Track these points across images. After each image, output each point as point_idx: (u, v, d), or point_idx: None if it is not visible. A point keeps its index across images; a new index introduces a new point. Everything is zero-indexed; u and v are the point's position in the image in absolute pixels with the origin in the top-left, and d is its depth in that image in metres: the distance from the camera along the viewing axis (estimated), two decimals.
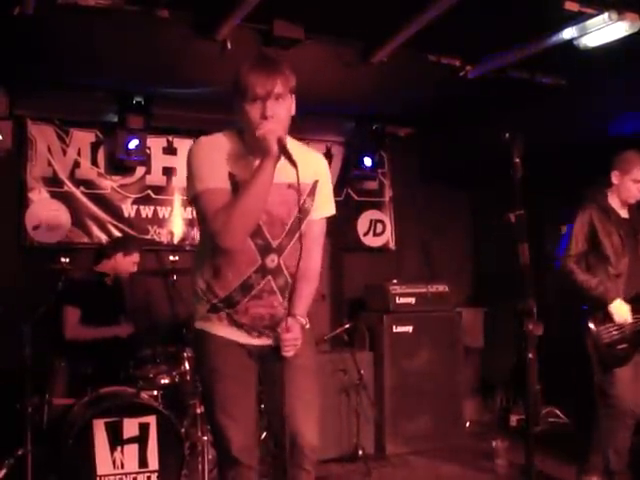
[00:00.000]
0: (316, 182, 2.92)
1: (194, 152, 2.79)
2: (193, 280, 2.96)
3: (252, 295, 2.85)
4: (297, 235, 2.79)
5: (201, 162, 2.75)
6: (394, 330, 6.18)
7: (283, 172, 2.69)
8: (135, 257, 5.54)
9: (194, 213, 6.67)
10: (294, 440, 2.87)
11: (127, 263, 5.47)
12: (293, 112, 2.80)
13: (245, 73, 2.68)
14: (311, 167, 2.89)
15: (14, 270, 5.73)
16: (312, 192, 2.90)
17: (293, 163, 2.61)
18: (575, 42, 4.85)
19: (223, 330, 2.90)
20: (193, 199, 2.78)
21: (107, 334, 5.14)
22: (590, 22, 4.66)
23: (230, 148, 2.78)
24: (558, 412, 6.78)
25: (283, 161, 2.67)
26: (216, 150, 2.77)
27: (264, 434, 4.51)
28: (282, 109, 2.71)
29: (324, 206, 2.99)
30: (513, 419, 6.86)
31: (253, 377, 2.98)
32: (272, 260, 2.84)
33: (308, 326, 2.98)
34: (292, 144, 2.80)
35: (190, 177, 2.77)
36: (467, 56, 5.60)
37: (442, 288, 6.51)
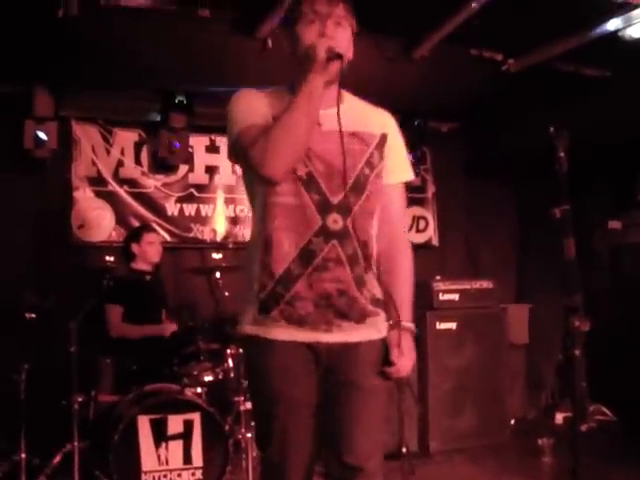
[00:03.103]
0: (384, 136, 2.46)
1: (233, 100, 2.40)
2: (245, 271, 2.44)
3: (315, 265, 2.27)
4: (365, 194, 2.35)
5: (240, 106, 2.37)
6: (438, 327, 6.13)
7: (347, 120, 2.32)
8: (148, 238, 5.49)
9: (236, 210, 6.70)
10: (348, 464, 2.32)
11: (146, 248, 5.45)
12: (351, 56, 2.40)
13: None
14: (377, 119, 2.51)
15: (60, 269, 5.80)
16: (380, 146, 2.44)
17: (339, 57, 2.25)
18: (620, 33, 4.78)
19: (281, 332, 2.30)
20: (233, 146, 2.37)
21: (152, 333, 5.18)
22: (635, 13, 4.58)
23: (276, 98, 2.38)
24: (605, 410, 6.68)
25: (345, 108, 2.34)
26: (259, 97, 2.40)
27: None
28: (344, 37, 2.34)
29: (400, 168, 2.54)
30: (559, 417, 6.78)
31: (315, 393, 2.36)
32: (335, 221, 2.29)
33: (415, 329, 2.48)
34: (353, 99, 2.52)
35: (229, 126, 2.36)
36: (509, 49, 5.54)
37: (486, 284, 6.45)
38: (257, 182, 2.36)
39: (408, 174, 2.56)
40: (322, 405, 2.35)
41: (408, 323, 2.44)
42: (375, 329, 2.38)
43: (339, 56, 2.25)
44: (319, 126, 2.30)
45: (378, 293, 2.42)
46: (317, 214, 2.28)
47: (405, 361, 2.37)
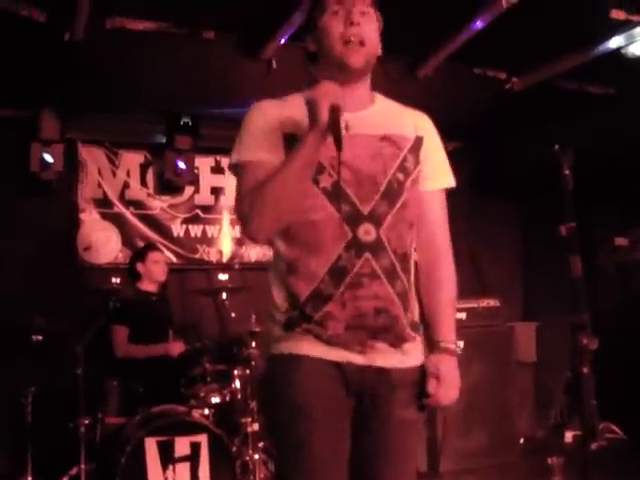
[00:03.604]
0: (420, 139, 2.24)
1: (247, 115, 2.22)
2: (270, 293, 2.20)
3: (348, 283, 2.03)
4: (400, 202, 2.12)
5: (247, 127, 2.18)
6: None
7: (377, 122, 2.18)
8: (153, 257, 5.52)
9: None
10: None
11: (151, 267, 5.47)
12: (379, 52, 2.22)
13: None
14: (412, 120, 2.27)
15: (66, 291, 5.80)
16: (415, 149, 2.22)
17: (338, 142, 1.94)
18: (623, 50, 4.80)
19: (309, 347, 2.07)
20: (232, 168, 2.20)
21: (158, 352, 5.16)
22: (637, 30, 4.60)
23: (294, 107, 2.14)
24: (615, 428, 6.63)
25: (375, 109, 2.23)
26: (272, 112, 2.19)
27: None
28: (371, 27, 2.17)
29: (440, 173, 2.31)
30: (568, 435, 6.73)
31: (348, 420, 2.12)
32: (367, 232, 2.06)
33: (460, 350, 2.27)
34: (385, 101, 2.31)
35: (235, 142, 2.20)
36: (513, 68, 5.56)
37: (493, 303, 6.43)
38: None
39: (449, 180, 2.33)
40: (354, 434, 2.12)
41: (450, 344, 2.19)
42: (411, 356, 2.15)
43: (336, 131, 1.95)
44: (346, 130, 2.04)
45: (417, 315, 2.20)
46: (346, 226, 2.05)
47: (444, 389, 2.14)
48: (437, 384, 2.12)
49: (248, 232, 2.08)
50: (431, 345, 2.20)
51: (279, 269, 2.15)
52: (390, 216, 2.10)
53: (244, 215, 2.08)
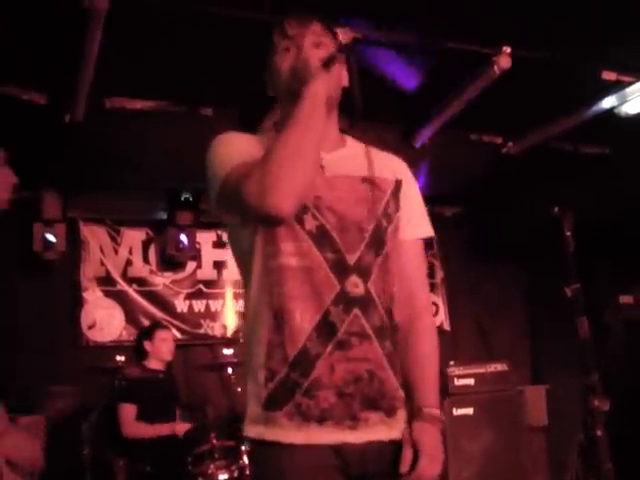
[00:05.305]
0: (399, 182, 2.03)
1: (214, 144, 1.96)
2: (246, 359, 1.91)
3: (336, 341, 1.78)
4: (384, 251, 1.91)
5: (224, 149, 1.93)
6: (455, 413, 6.03)
7: (355, 163, 1.98)
8: (160, 335, 5.49)
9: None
10: None
11: (159, 345, 5.44)
12: (345, 82, 2.01)
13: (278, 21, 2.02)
14: (389, 162, 2.07)
15: (71, 370, 5.76)
16: (396, 193, 2.00)
17: (340, 51, 1.85)
18: (616, 110, 4.87)
19: (296, 434, 1.75)
20: (220, 194, 1.88)
21: (164, 432, 5.09)
22: (629, 90, 4.67)
23: (264, 140, 1.94)
24: None
25: (349, 150, 2.03)
26: (245, 137, 1.99)
27: None
28: None
29: (420, 221, 2.07)
30: None
31: None
32: (355, 284, 1.82)
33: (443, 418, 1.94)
34: (357, 142, 2.11)
35: (213, 173, 1.91)
36: (509, 132, 5.62)
37: (501, 367, 6.38)
38: (256, 239, 1.88)
39: (428, 229, 2.09)
40: None
41: (435, 410, 1.89)
42: (399, 425, 1.88)
43: (340, 50, 1.85)
44: (321, 169, 1.90)
45: (401, 378, 1.93)
46: (333, 277, 1.81)
47: (427, 463, 1.80)
48: (419, 457, 1.81)
49: (269, 201, 1.70)
50: (412, 412, 1.90)
51: (260, 325, 1.85)
52: (376, 267, 1.88)
53: (257, 188, 1.71)
